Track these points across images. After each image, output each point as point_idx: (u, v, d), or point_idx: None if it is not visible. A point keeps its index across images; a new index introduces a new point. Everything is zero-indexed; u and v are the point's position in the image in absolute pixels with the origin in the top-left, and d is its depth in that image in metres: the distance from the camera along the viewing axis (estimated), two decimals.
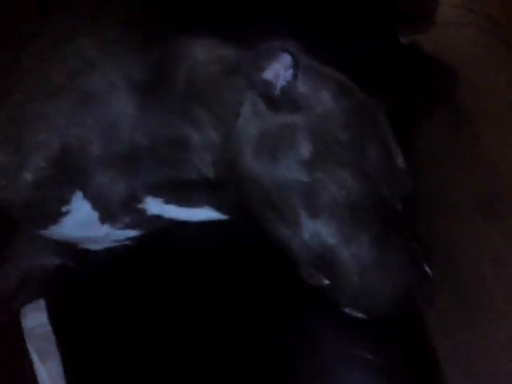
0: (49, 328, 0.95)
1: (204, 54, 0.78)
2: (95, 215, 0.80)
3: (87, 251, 0.90)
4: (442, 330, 0.86)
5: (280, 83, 0.71)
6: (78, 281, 0.94)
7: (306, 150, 0.70)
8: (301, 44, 0.72)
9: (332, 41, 0.91)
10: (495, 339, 1.15)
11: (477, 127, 1.32)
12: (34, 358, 0.94)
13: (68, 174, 0.77)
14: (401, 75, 1.02)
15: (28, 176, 0.77)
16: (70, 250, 0.90)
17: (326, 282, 0.71)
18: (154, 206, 0.80)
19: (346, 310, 0.72)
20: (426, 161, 1.17)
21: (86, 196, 0.79)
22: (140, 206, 0.80)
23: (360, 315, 0.72)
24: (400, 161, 0.74)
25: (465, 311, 1.17)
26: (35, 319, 0.96)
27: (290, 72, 0.71)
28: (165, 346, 0.86)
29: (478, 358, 1.14)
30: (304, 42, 0.73)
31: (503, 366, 1.13)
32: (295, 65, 0.71)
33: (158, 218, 0.82)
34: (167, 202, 0.80)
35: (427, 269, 0.70)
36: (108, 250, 0.89)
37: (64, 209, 0.79)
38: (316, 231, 0.70)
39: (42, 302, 0.97)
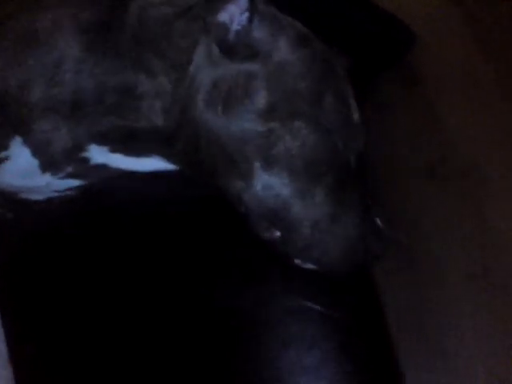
0: None
1: None
2: (35, 163, 0.76)
3: (28, 202, 0.86)
4: (388, 288, 0.87)
5: (235, 27, 0.68)
6: (17, 232, 0.91)
7: (261, 99, 0.68)
8: None
9: None
10: (440, 298, 1.18)
11: (428, 91, 1.33)
12: None
13: (7, 119, 0.73)
14: (359, 32, 1.01)
15: None
16: (10, 200, 0.86)
17: (278, 234, 0.71)
18: (99, 154, 0.77)
19: (297, 262, 0.72)
20: (375, 121, 1.16)
21: (26, 142, 0.75)
22: (83, 154, 0.76)
23: (310, 266, 0.72)
24: (356, 115, 0.73)
25: (410, 271, 1.20)
26: None
27: (245, 15, 0.68)
28: (104, 298, 0.84)
29: (423, 316, 1.17)
30: None
31: (447, 323, 1.17)
32: (251, 8, 0.68)
33: (103, 167, 0.78)
34: (113, 150, 0.76)
35: (379, 222, 0.70)
36: (50, 201, 0.86)
37: (2, 155, 0.75)
38: (269, 183, 0.69)
39: None
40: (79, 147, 0.76)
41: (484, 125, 1.31)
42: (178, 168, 0.77)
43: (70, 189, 0.83)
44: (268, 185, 0.69)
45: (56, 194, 0.84)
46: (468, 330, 1.17)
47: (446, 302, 1.19)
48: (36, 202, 0.86)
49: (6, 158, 0.76)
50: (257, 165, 0.68)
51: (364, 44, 1.00)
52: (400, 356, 0.81)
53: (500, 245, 1.23)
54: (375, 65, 1.07)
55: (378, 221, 0.71)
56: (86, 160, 0.77)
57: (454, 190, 1.27)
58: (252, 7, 0.68)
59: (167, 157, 0.76)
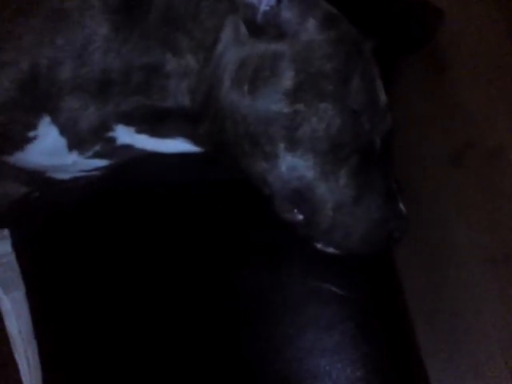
0: (13, 257, 0.93)
1: None
2: (63, 142, 0.77)
3: (54, 181, 0.87)
4: (406, 272, 0.87)
5: (263, 7, 0.68)
6: (43, 211, 0.92)
7: (288, 79, 0.68)
8: None
9: None
10: (459, 283, 1.17)
11: (451, 75, 1.32)
12: None
13: (36, 98, 0.74)
14: (386, 13, 0.99)
15: None
16: (37, 179, 0.87)
17: (300, 217, 0.71)
18: (125, 134, 0.77)
19: (318, 246, 0.72)
20: (399, 107, 1.16)
21: (54, 121, 0.75)
22: (110, 134, 0.77)
23: (332, 250, 0.72)
24: (383, 97, 0.72)
25: (430, 256, 1.19)
26: None
27: None
28: (129, 279, 0.85)
29: (441, 301, 1.16)
30: None
31: (463, 307, 1.16)
32: None
33: (128, 147, 0.79)
34: (139, 131, 0.77)
35: (402, 206, 0.70)
36: (77, 180, 0.86)
37: (31, 134, 0.76)
38: (294, 164, 0.68)
39: (6, 232, 0.95)
40: (106, 126, 0.76)
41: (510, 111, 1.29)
42: (202, 150, 0.78)
43: (96, 169, 0.83)
44: (292, 166, 0.69)
45: (82, 174, 0.85)
46: (487, 316, 1.16)
47: (465, 288, 1.18)
48: (62, 181, 0.86)
49: (35, 138, 0.76)
50: (281, 146, 0.68)
51: (391, 25, 0.99)
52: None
53: None
54: (402, 46, 1.05)
55: (401, 204, 0.71)
56: (112, 140, 0.78)
57: (476, 174, 1.26)
58: None
59: (192, 138, 0.76)
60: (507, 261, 1.18)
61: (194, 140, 0.77)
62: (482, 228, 1.22)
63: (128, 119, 0.76)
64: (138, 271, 0.85)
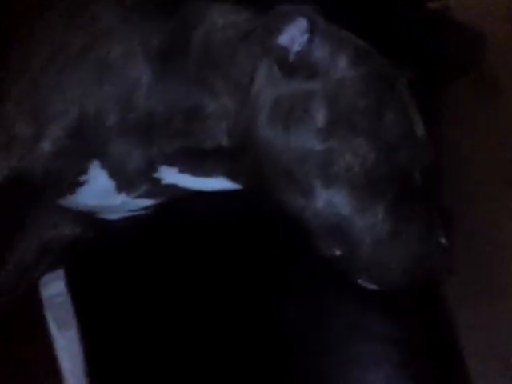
0: (67, 297, 0.96)
1: (220, 19, 0.76)
2: (112, 184, 0.80)
3: (104, 221, 0.90)
4: (462, 300, 0.84)
5: (295, 48, 0.69)
6: (96, 251, 0.95)
7: (321, 117, 0.68)
8: (318, 7, 0.70)
9: (353, 5, 0.88)
10: None
11: (504, 98, 1.29)
12: (52, 326, 0.95)
13: (85, 144, 0.78)
14: (427, 42, 0.99)
15: (46, 146, 0.77)
16: (88, 220, 0.91)
17: (339, 253, 0.70)
18: (169, 175, 0.80)
19: (360, 282, 0.71)
20: (451, 131, 1.13)
21: (103, 165, 0.79)
22: (155, 175, 0.80)
23: (373, 287, 0.71)
24: (420, 129, 0.71)
25: (485, 283, 1.15)
26: (54, 288, 0.97)
27: (305, 37, 0.69)
28: (180, 316, 0.86)
29: (498, 330, 1.11)
30: (322, 5, 0.70)
31: None
32: (311, 29, 0.69)
33: (173, 187, 0.81)
34: (182, 171, 0.79)
35: (443, 240, 0.69)
36: (126, 220, 0.89)
37: (81, 178, 0.80)
38: (330, 201, 0.68)
39: (61, 272, 0.98)
40: (152, 168, 0.79)
41: None
42: (241, 187, 0.79)
43: (143, 208, 0.86)
44: (329, 202, 0.69)
45: (131, 214, 0.88)
46: None
47: None
48: (112, 222, 0.90)
49: (85, 181, 0.80)
50: (316, 182, 0.69)
51: (431, 54, 0.98)
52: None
53: None
54: (444, 75, 1.04)
55: (443, 238, 0.69)
56: (158, 180, 0.80)
57: None
58: (313, 28, 0.69)
59: (232, 176, 0.78)
60: None
61: (234, 178, 0.78)
62: None
63: (171, 160, 0.78)
64: (193, 306, 0.85)
